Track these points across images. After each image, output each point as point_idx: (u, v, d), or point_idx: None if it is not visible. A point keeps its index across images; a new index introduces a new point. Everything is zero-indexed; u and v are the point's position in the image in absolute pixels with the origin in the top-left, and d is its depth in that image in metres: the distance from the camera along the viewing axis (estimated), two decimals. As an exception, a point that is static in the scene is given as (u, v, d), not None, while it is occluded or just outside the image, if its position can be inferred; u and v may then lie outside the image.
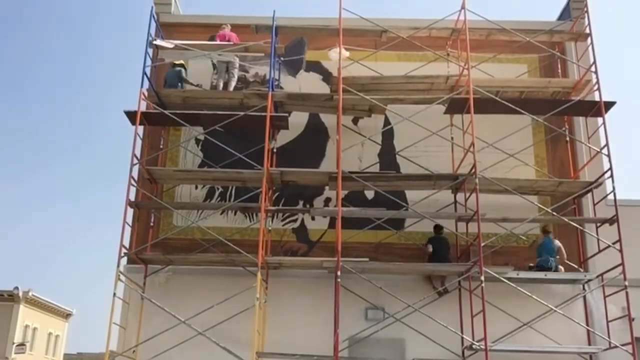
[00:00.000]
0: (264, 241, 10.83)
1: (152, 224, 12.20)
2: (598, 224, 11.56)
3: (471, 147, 11.14)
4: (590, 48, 12.24)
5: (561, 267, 11.33)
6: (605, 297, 11.05)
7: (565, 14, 13.84)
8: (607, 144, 11.43)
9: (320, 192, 12.26)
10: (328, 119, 12.78)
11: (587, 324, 11.28)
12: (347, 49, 12.18)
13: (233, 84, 12.62)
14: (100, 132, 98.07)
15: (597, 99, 11.81)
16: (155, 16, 12.88)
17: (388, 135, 12.70)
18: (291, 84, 13.23)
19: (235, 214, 12.29)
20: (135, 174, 11.46)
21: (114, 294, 10.53)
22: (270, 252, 11.54)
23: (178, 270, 11.63)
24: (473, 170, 11.01)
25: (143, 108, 11.77)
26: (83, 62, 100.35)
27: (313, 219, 12.21)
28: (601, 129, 11.68)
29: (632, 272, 10.58)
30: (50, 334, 42.09)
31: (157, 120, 12.12)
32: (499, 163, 11.84)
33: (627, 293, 10.36)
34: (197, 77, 13.16)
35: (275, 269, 11.44)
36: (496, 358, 10.09)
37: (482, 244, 10.42)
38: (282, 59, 12.92)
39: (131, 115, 11.65)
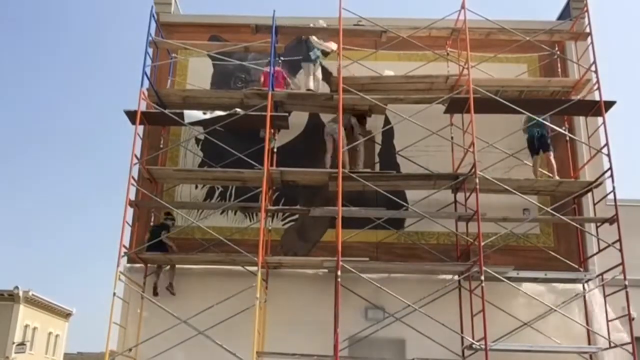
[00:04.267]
0: (264, 241, 10.84)
1: (152, 224, 12.19)
2: (598, 224, 11.56)
3: (471, 146, 11.14)
4: (590, 47, 12.24)
5: (551, 175, 11.64)
6: (605, 296, 11.06)
7: (565, 14, 13.83)
8: (607, 144, 11.43)
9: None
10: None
11: (587, 324, 11.29)
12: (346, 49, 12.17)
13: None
14: (100, 131, 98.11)
15: (597, 98, 11.81)
16: (155, 16, 12.89)
17: (388, 135, 12.70)
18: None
19: (235, 213, 12.29)
20: (135, 174, 11.47)
21: (114, 294, 10.53)
22: (270, 252, 11.54)
23: (178, 270, 11.64)
24: (473, 170, 11.01)
25: (143, 107, 11.77)
26: (83, 62, 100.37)
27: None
28: (601, 129, 11.67)
29: (632, 272, 10.60)
30: (50, 333, 42.12)
31: (157, 119, 12.12)
32: (499, 163, 11.86)
33: (627, 293, 10.36)
34: (197, 78, 13.17)
35: (275, 268, 11.44)
36: (496, 358, 10.09)
37: (482, 244, 10.43)
38: (282, 58, 12.91)
39: (131, 115, 11.64)
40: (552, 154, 11.92)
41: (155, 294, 11.36)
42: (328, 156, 11.79)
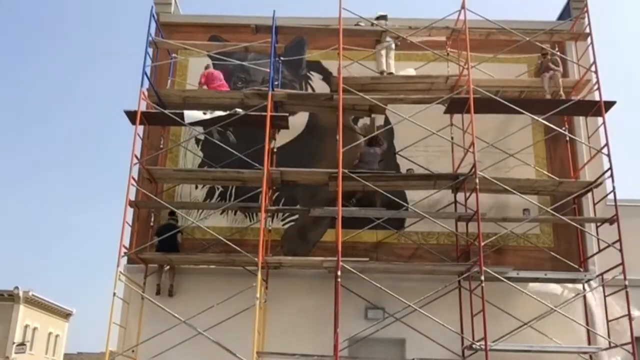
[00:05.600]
0: (264, 241, 10.84)
1: (152, 224, 12.20)
2: (598, 224, 11.57)
3: (471, 146, 11.14)
4: (590, 48, 12.24)
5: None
6: (605, 296, 11.06)
7: (565, 14, 13.83)
8: (607, 144, 11.43)
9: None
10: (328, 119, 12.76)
11: (587, 324, 11.29)
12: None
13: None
14: (101, 131, 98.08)
15: (597, 98, 11.81)
16: (155, 16, 12.89)
17: (388, 135, 12.69)
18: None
19: (235, 213, 12.29)
20: (135, 174, 11.47)
21: (114, 294, 10.52)
22: (270, 252, 11.53)
23: (178, 270, 11.65)
24: (473, 170, 11.00)
25: (143, 108, 11.76)
26: (83, 62, 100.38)
27: (313, 218, 12.18)
28: (601, 129, 11.67)
29: (632, 272, 10.59)
30: (50, 333, 42.12)
31: (157, 120, 12.11)
32: (499, 163, 11.87)
33: (627, 293, 10.37)
34: (197, 78, 13.14)
35: (276, 268, 11.44)
36: (496, 358, 10.09)
37: (482, 244, 10.42)
38: (281, 58, 12.92)
39: (131, 115, 11.64)
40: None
41: (158, 293, 11.38)
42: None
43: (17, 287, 36.61)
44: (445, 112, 12.08)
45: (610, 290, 10.91)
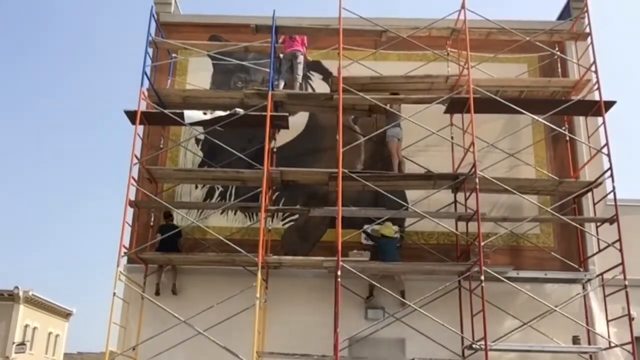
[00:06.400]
0: (264, 241, 10.84)
1: (152, 224, 12.21)
2: (598, 224, 11.57)
3: (471, 146, 11.14)
4: (590, 47, 12.23)
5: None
6: (605, 296, 11.05)
7: (565, 14, 13.83)
8: (607, 144, 11.43)
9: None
10: (328, 119, 12.76)
11: (587, 324, 11.29)
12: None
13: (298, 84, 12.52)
14: (101, 131, 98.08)
15: (597, 98, 11.81)
16: (155, 16, 12.89)
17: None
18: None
19: (235, 213, 12.29)
20: (135, 174, 11.47)
21: (114, 294, 10.53)
22: (270, 252, 11.53)
23: (178, 270, 11.65)
24: (473, 170, 11.00)
25: (143, 107, 11.77)
26: (83, 62, 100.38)
27: (313, 218, 12.18)
28: (601, 129, 11.67)
29: (632, 271, 10.59)
30: (50, 333, 42.09)
31: (157, 119, 12.11)
32: (499, 162, 11.86)
33: (627, 293, 10.36)
34: (197, 78, 13.18)
35: (276, 268, 11.44)
36: (496, 357, 10.09)
37: (482, 244, 10.42)
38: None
39: (131, 115, 11.64)
40: None
41: (157, 293, 11.39)
42: (396, 161, 11.81)
43: (17, 287, 36.58)
44: (445, 112, 12.08)
45: (610, 290, 10.90)
